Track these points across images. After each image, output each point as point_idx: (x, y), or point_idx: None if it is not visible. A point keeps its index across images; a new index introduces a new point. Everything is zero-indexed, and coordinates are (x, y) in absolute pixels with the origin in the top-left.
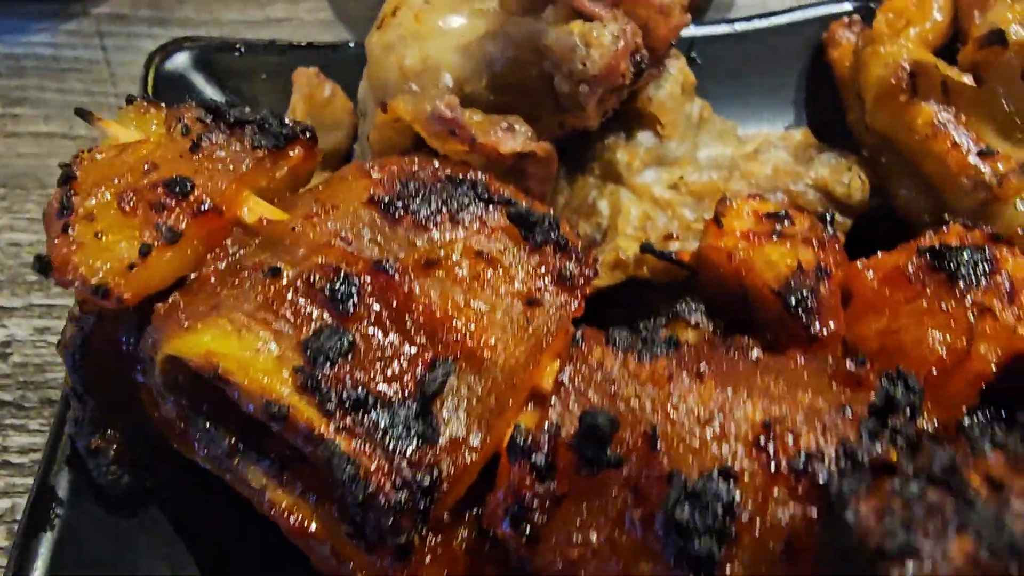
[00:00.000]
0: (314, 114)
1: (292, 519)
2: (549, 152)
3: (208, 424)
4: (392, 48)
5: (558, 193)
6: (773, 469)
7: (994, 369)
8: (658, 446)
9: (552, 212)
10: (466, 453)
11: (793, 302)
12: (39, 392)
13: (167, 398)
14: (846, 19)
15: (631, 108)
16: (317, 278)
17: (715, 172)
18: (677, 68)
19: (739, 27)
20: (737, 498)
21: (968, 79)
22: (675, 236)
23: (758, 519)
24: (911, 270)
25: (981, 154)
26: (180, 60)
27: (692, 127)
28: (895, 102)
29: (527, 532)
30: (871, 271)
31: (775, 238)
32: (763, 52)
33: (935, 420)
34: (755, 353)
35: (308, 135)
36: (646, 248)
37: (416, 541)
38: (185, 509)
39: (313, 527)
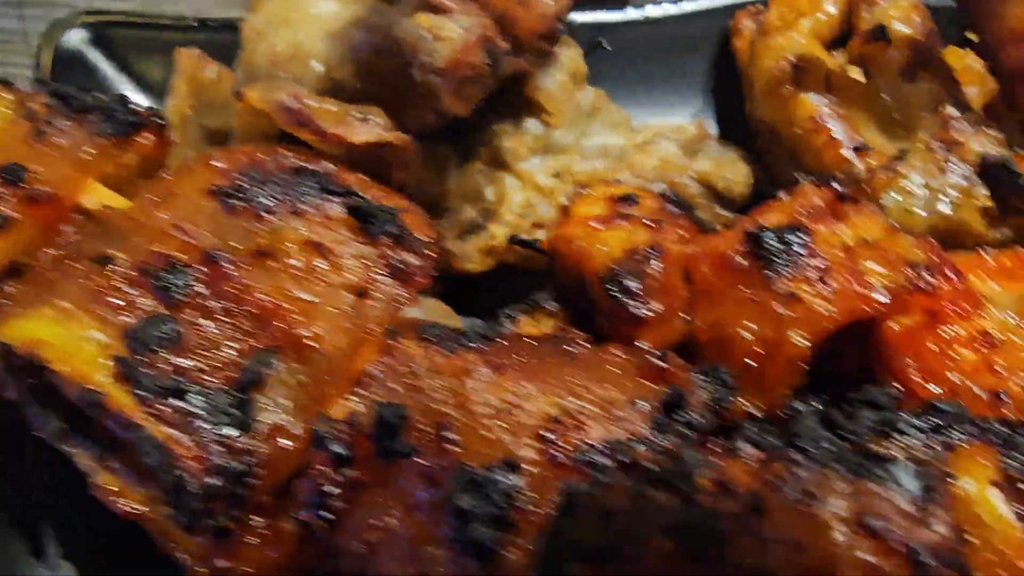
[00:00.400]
0: (199, 96)
1: (120, 502)
2: (406, 142)
3: (39, 407)
4: (263, 34)
5: (448, 178)
6: (556, 461)
7: (808, 353)
8: (450, 437)
9: (397, 204)
10: (283, 440)
11: (613, 285)
12: None
13: (7, 380)
14: (752, 8)
15: (520, 95)
16: (148, 267)
17: (601, 162)
18: (568, 57)
19: (650, 13)
20: (520, 487)
21: (858, 73)
22: (546, 225)
23: (540, 509)
24: (733, 255)
25: (856, 149)
26: (76, 37)
27: (582, 116)
28: (779, 94)
29: (327, 517)
30: (705, 256)
31: (617, 221)
32: (673, 39)
33: (757, 410)
34: (576, 347)
35: (158, 122)
36: (513, 239)
37: (236, 524)
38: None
39: (140, 510)
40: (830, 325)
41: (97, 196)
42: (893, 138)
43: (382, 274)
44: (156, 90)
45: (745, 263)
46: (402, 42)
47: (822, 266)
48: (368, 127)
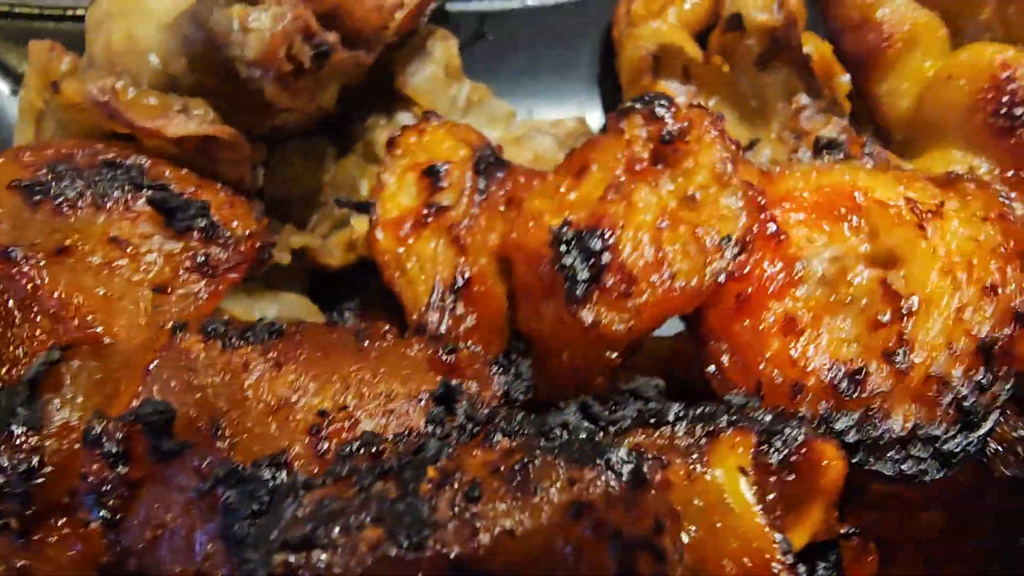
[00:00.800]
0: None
1: None
2: (232, 135)
3: None
4: (101, 25)
5: (324, 172)
6: (323, 456)
7: (620, 359)
8: (222, 433)
9: (216, 198)
10: (75, 438)
11: (423, 330)
12: None
13: None
14: None
15: (393, 90)
16: None
17: None
18: (441, 50)
19: (531, 2)
20: (286, 484)
21: (723, 62)
22: None
23: None
24: (540, 264)
25: None
26: None
27: (458, 110)
28: (640, 85)
29: (107, 516)
30: (518, 253)
31: (423, 228)
32: (556, 28)
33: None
34: (378, 341)
35: None
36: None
37: (31, 523)
38: None
39: None
40: (636, 335)
41: None
42: (750, 127)
43: (186, 269)
44: (21, 80)
45: (549, 276)
46: (216, 34)
47: (626, 273)
48: (186, 120)
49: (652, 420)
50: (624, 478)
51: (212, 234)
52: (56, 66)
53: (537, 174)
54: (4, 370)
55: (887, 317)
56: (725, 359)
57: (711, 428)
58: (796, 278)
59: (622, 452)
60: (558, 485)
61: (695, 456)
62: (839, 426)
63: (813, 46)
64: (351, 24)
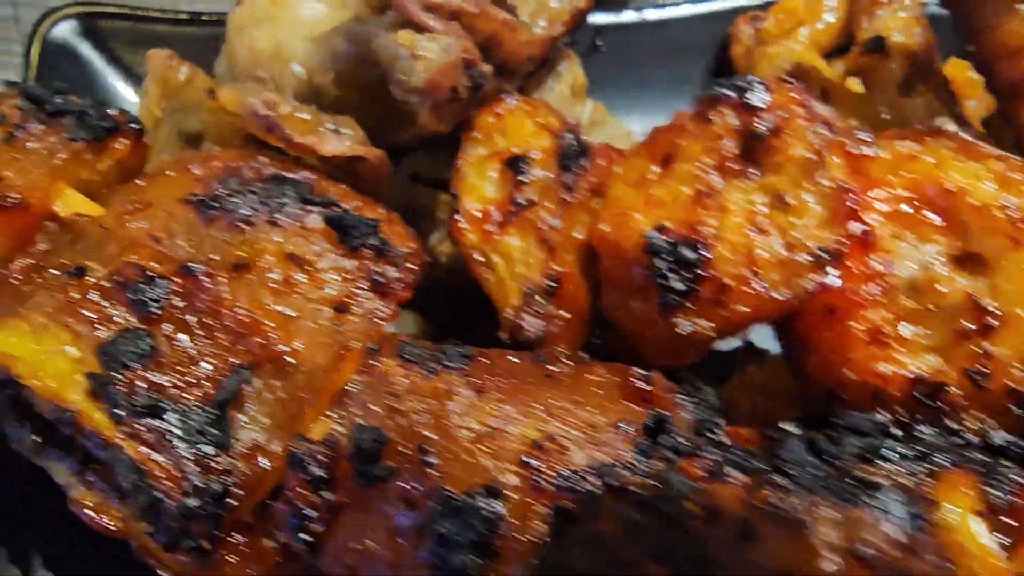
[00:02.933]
0: (170, 97)
1: (96, 517)
2: (379, 157)
3: (15, 420)
4: (245, 29)
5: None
6: (539, 487)
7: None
8: (431, 461)
9: (378, 215)
10: (262, 459)
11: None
12: None
13: None
14: (752, 14)
15: None
16: (122, 279)
17: None
18: (567, 69)
19: (648, 16)
20: (502, 514)
21: (857, 85)
22: None
23: (523, 536)
24: (631, 266)
25: None
26: (66, 29)
27: (581, 129)
28: None
29: (307, 540)
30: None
31: (509, 223)
32: (671, 43)
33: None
34: (558, 367)
35: (134, 127)
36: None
37: (216, 543)
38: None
39: (116, 526)
40: (724, 337)
41: (70, 203)
42: None
43: (362, 288)
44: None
45: (641, 279)
46: (380, 57)
47: (719, 283)
48: (339, 140)
49: (870, 456)
50: (902, 520)
51: (383, 252)
52: (174, 75)
53: (616, 153)
54: (187, 388)
55: (972, 328)
56: (810, 360)
57: (931, 467)
58: (883, 285)
59: (894, 492)
60: (834, 526)
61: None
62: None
63: (957, 68)
64: (500, 54)
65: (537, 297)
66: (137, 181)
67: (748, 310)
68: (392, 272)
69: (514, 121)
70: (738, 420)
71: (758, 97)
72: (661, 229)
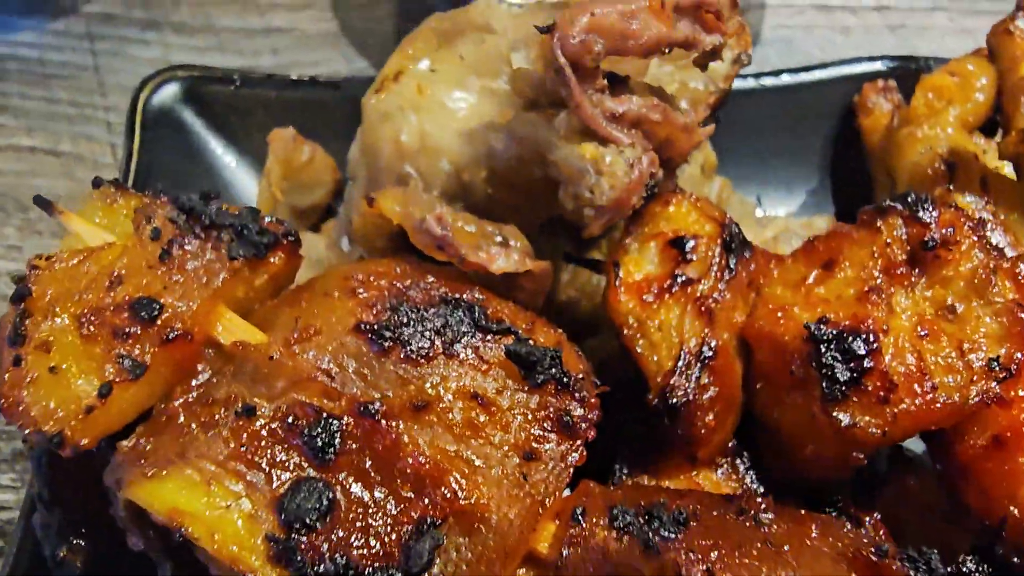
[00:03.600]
0: (291, 177)
1: None
2: (545, 270)
3: (173, 569)
4: (389, 118)
5: (562, 270)
6: None
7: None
8: None
9: (555, 339)
10: None
11: (663, 406)
12: (11, 443)
13: (132, 532)
14: (880, 83)
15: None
16: (295, 419)
17: None
18: (699, 148)
19: (766, 82)
20: None
21: (1008, 168)
22: None
23: None
24: (791, 361)
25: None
26: (169, 93)
27: None
28: (931, 193)
29: None
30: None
31: (668, 295)
32: (789, 111)
33: None
34: (765, 517)
35: (291, 239)
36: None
37: None
38: None
39: None
40: (889, 442)
41: (232, 329)
42: None
43: (548, 429)
44: (247, 150)
45: (802, 371)
46: (560, 170)
47: (887, 379)
48: (508, 254)
49: None
50: None
51: (565, 385)
52: (297, 156)
53: (776, 257)
54: (373, 550)
55: None
56: (971, 490)
57: None
58: None
59: None
60: None
61: None
62: None
63: None
64: (669, 153)
65: (692, 362)
66: (298, 301)
67: (915, 411)
68: (577, 409)
69: (679, 210)
70: (910, 541)
71: (928, 212)
72: (825, 321)
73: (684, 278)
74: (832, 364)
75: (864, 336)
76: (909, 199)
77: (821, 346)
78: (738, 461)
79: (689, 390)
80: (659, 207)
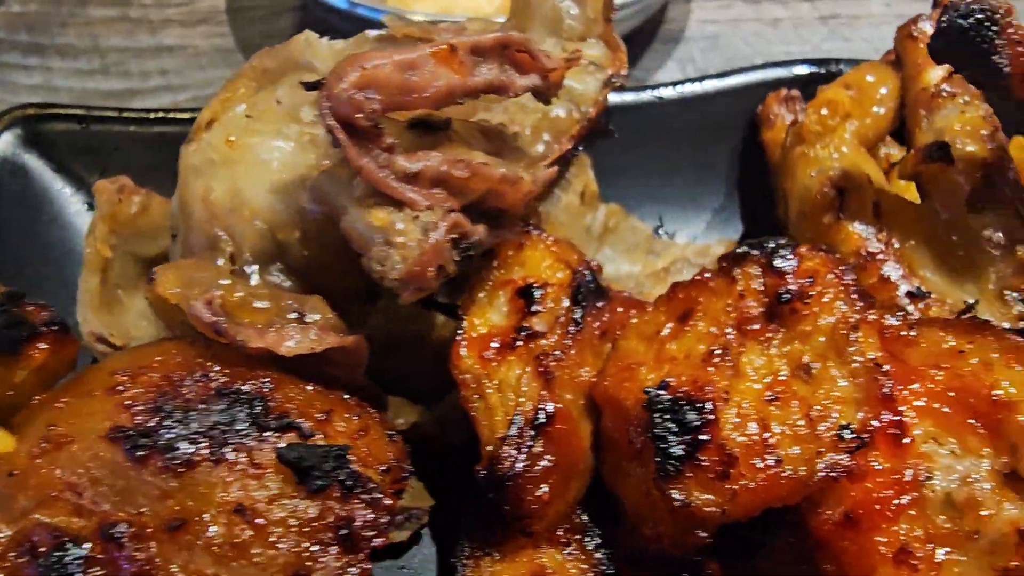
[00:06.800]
0: (123, 230)
1: None
2: (355, 343)
3: None
4: (200, 173)
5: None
6: None
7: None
8: None
9: (356, 430)
10: None
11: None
12: None
13: None
14: (784, 92)
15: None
16: (34, 546)
17: None
18: (577, 175)
19: (665, 94)
20: None
21: (911, 190)
22: None
23: None
24: (629, 427)
25: (910, 295)
26: (8, 139)
27: (593, 240)
28: (820, 220)
29: None
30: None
31: (511, 352)
32: (692, 125)
33: None
34: None
35: (55, 327)
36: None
37: None
38: None
39: None
40: (730, 519)
41: None
42: (956, 280)
43: (327, 543)
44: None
45: (640, 441)
46: (351, 239)
47: (725, 453)
48: (303, 334)
49: None
50: None
51: (353, 488)
52: (125, 209)
53: (637, 305)
54: None
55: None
56: (829, 570)
57: None
58: (916, 496)
59: None
60: None
61: None
62: None
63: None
64: (499, 205)
65: (525, 429)
66: (57, 400)
67: (757, 487)
68: (362, 515)
69: (534, 254)
70: None
71: (785, 260)
72: (665, 386)
73: (529, 332)
74: (666, 436)
75: (700, 405)
76: (766, 245)
77: (656, 415)
78: (587, 537)
79: (518, 461)
80: (512, 251)
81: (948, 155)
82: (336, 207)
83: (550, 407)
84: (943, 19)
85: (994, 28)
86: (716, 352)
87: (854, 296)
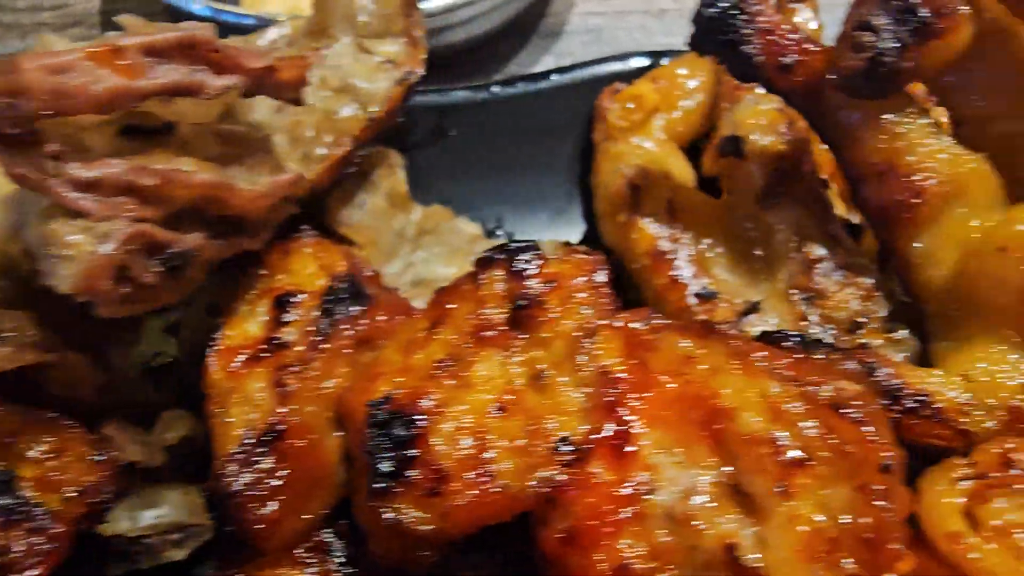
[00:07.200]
0: None
1: None
2: (63, 359)
3: None
4: None
5: None
6: None
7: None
8: None
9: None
10: None
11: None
12: None
13: None
14: (615, 86)
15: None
16: None
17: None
18: (384, 177)
19: (500, 91)
20: None
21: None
22: None
23: None
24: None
25: (699, 296)
26: None
27: (407, 243)
28: (616, 219)
29: None
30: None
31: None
32: (530, 122)
33: None
34: None
35: None
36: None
37: None
38: None
39: None
40: (448, 538)
41: None
42: (753, 280)
43: None
44: None
45: (361, 456)
46: (30, 250)
47: (435, 468)
48: None
49: None
50: None
51: (12, 515)
52: None
53: (407, 310)
54: None
55: None
56: None
57: None
58: (638, 510)
59: None
60: None
61: None
62: None
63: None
64: (229, 212)
65: (254, 444)
66: None
67: (469, 503)
68: (21, 544)
69: (299, 260)
70: None
71: (527, 263)
72: (387, 399)
73: (278, 342)
74: (377, 451)
75: (411, 418)
76: (510, 248)
77: (370, 429)
78: (331, 555)
79: (240, 478)
80: (277, 256)
81: (739, 149)
82: (23, 225)
83: (282, 421)
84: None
85: (742, 17)
86: (443, 362)
87: (604, 301)
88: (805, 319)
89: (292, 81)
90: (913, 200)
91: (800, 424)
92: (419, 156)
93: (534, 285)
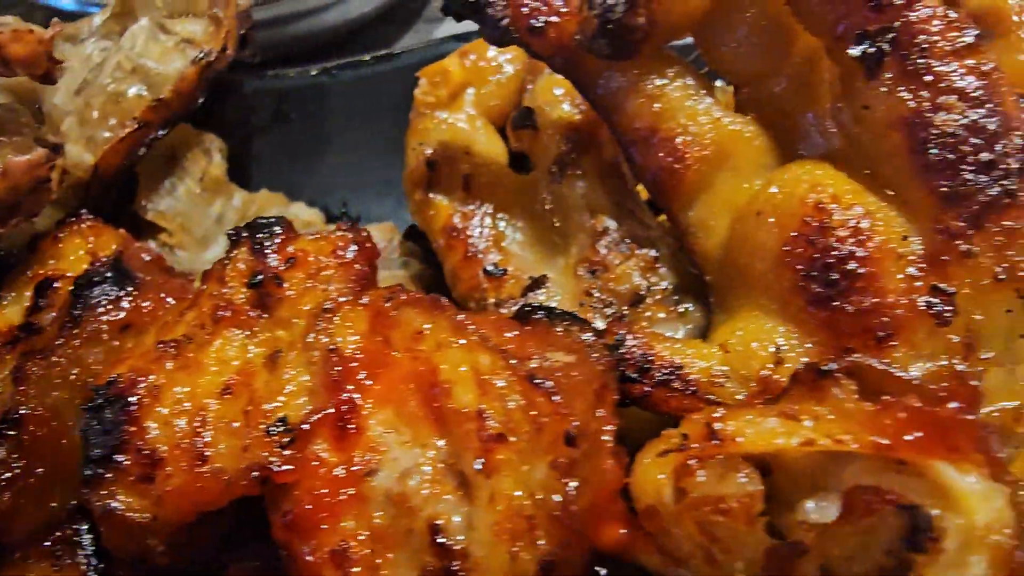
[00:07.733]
0: None
1: None
2: None
3: None
4: None
5: None
6: None
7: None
8: None
9: None
10: None
11: None
12: None
13: None
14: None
15: (134, 218)
16: None
17: None
18: (196, 161)
19: (341, 75)
20: None
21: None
22: None
23: None
24: None
25: (487, 273)
26: None
27: (225, 228)
28: (414, 196)
29: None
30: None
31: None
32: (375, 102)
33: None
34: None
35: None
36: None
37: None
38: None
39: None
40: (168, 526)
41: None
42: (549, 255)
43: None
44: None
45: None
46: None
47: (146, 453)
48: None
49: None
50: None
51: None
52: None
53: (180, 291)
54: None
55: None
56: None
57: None
58: (358, 491)
59: None
60: None
61: None
62: None
63: None
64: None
65: None
66: None
67: (183, 488)
68: None
69: (69, 245)
70: None
71: (267, 242)
72: (111, 384)
73: (33, 328)
74: (89, 436)
75: (122, 402)
76: (254, 224)
77: (88, 414)
78: (82, 548)
79: None
80: (49, 242)
81: (533, 121)
82: None
83: (18, 411)
84: None
85: None
86: (167, 344)
87: (352, 278)
88: (590, 293)
89: (26, 58)
90: (676, 166)
91: (505, 398)
92: (261, 141)
93: (273, 263)
